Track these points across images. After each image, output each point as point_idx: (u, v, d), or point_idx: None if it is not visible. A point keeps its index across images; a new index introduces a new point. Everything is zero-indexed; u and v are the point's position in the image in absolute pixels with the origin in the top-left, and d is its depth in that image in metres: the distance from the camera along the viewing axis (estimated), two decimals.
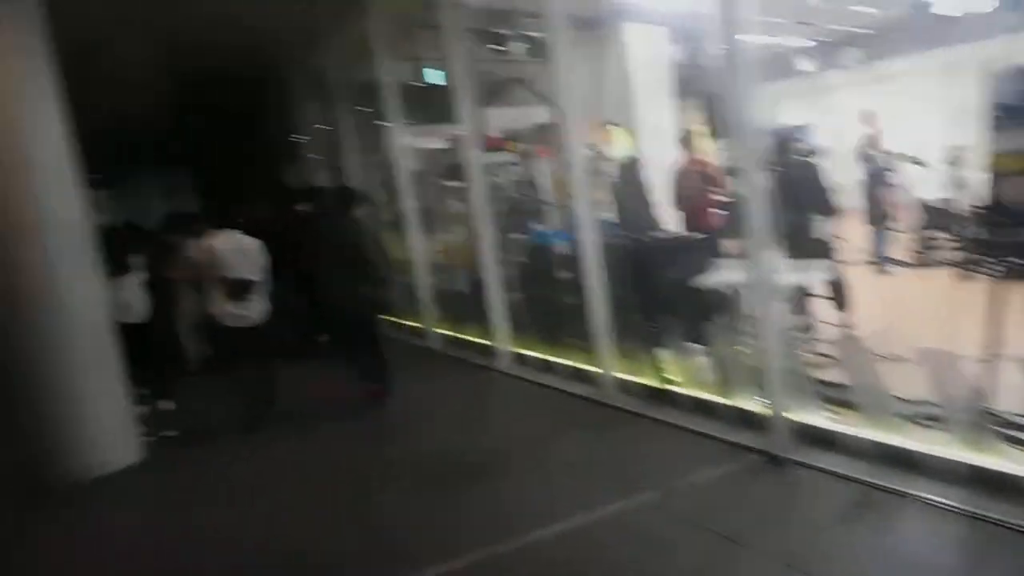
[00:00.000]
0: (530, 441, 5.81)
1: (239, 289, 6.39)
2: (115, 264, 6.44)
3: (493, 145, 9.97)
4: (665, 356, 6.29)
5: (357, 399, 7.02)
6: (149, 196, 21.20)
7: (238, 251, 6.51)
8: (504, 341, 8.20)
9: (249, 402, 6.64)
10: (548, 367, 7.57)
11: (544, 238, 8.58)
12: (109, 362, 5.96)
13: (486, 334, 8.44)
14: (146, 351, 6.60)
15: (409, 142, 10.05)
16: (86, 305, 5.78)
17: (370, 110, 10.71)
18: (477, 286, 8.63)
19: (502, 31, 10.15)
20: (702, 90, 10.92)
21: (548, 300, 8.00)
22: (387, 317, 7.99)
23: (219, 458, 6.07)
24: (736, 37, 4.63)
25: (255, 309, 6.55)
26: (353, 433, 6.48)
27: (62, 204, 5.65)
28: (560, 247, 7.97)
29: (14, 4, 5.48)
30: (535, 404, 6.88)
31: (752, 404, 5.32)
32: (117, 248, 6.62)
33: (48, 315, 5.60)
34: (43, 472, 5.70)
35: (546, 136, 10.31)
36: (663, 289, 6.58)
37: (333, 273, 6.78)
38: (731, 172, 5.51)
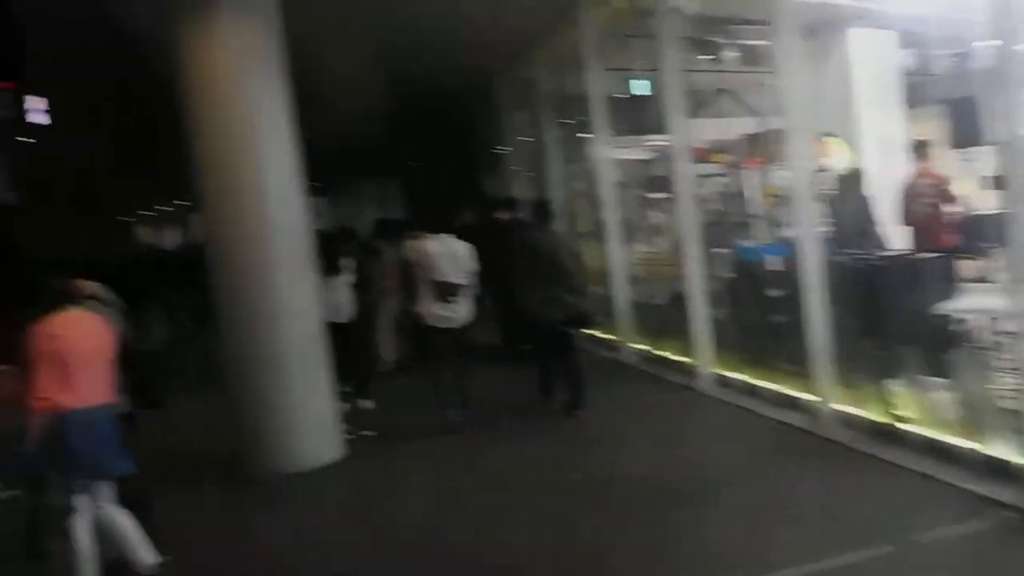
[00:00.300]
0: (738, 471, 5.39)
1: (447, 291, 6.51)
2: (328, 266, 6.75)
3: (699, 156, 9.58)
4: (897, 389, 5.64)
5: (552, 409, 6.92)
6: (362, 204, 22.68)
7: (449, 255, 6.63)
8: (705, 360, 7.77)
9: (448, 404, 6.70)
10: (754, 391, 7.07)
11: (753, 253, 8.07)
12: (318, 360, 6.18)
13: (686, 351, 8.06)
14: (350, 350, 6.85)
15: (612, 153, 9.88)
16: (301, 305, 6.07)
17: (574, 121, 10.67)
18: (677, 300, 8.28)
19: (715, 39, 9.72)
20: (938, 98, 9.92)
21: (757, 318, 7.50)
22: (584, 329, 7.81)
23: (416, 460, 6.13)
24: (1008, 42, 4.08)
25: (460, 312, 6.64)
26: (548, 444, 6.35)
27: (286, 210, 5.97)
28: (771, 263, 7.44)
29: (255, 23, 5.84)
30: (740, 430, 6.43)
31: (1006, 451, 4.61)
32: (331, 251, 6.95)
33: (267, 314, 5.92)
34: (252, 462, 5.97)
35: (756, 147, 9.78)
36: (897, 313, 5.91)
37: (531, 282, 6.78)
38: (996, 185, 4.84)
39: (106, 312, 3.57)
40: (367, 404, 7.12)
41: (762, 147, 9.58)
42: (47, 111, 13.56)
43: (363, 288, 7.51)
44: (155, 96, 8.10)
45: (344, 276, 7.15)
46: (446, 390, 6.78)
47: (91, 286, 3.67)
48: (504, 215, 9.78)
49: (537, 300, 6.75)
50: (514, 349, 8.22)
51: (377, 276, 8.15)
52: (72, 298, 3.38)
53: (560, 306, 6.75)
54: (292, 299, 5.95)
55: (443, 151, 14.77)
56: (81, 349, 3.34)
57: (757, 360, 7.33)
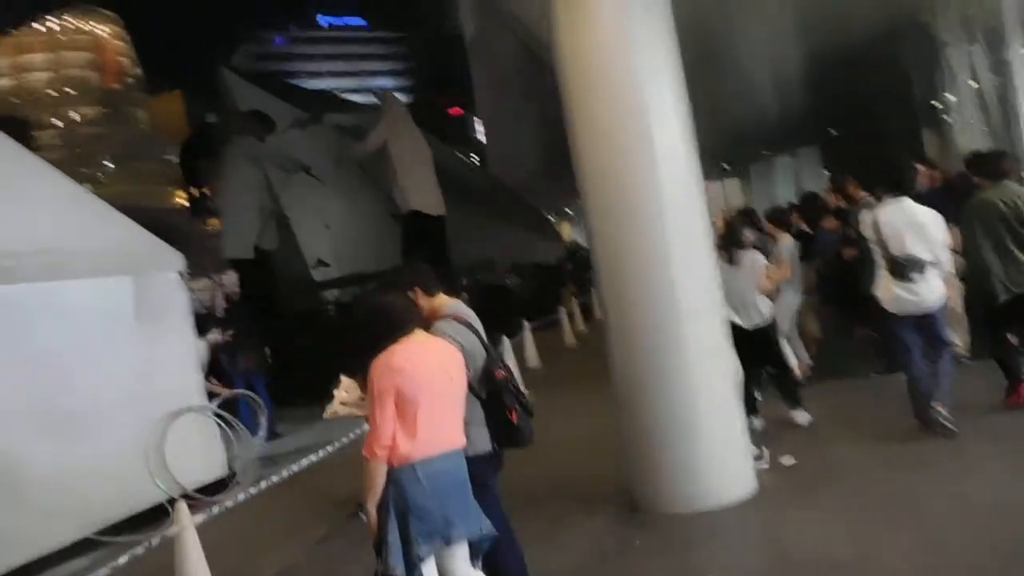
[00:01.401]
0: None
1: (906, 268, 5.04)
2: (730, 251, 5.73)
3: None
4: None
5: None
6: (772, 181, 21.05)
7: (909, 224, 5.16)
8: None
9: (925, 411, 5.08)
10: None
11: None
12: (725, 372, 5.04)
13: None
14: (760, 357, 5.75)
15: None
16: (703, 305, 5.03)
17: None
18: None
19: None
20: None
21: None
22: None
23: (855, 496, 4.58)
24: None
25: (928, 292, 5.10)
26: None
27: (679, 190, 5.04)
28: None
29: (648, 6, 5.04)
30: None
31: None
32: (733, 236, 5.91)
33: (661, 318, 4.97)
34: (642, 498, 4.78)
35: None
36: None
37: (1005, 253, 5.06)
38: None
39: (461, 337, 3.07)
40: (800, 417, 5.78)
41: None
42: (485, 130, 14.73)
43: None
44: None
45: (746, 266, 5.95)
46: (922, 393, 5.17)
47: (448, 305, 3.22)
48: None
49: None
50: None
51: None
52: (421, 321, 2.94)
53: None
54: (692, 300, 4.92)
55: (871, 108, 12.70)
56: (430, 385, 2.74)
57: None
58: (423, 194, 11.87)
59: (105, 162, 56.03)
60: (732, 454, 4.82)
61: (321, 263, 13.96)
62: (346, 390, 3.01)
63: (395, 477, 2.68)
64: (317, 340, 10.81)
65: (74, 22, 56.29)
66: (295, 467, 5.45)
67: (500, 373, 3.12)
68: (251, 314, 10.26)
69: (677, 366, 4.77)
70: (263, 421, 7.68)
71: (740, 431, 4.91)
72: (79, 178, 51.48)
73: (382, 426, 2.66)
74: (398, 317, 2.83)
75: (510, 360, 8.95)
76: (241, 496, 5.48)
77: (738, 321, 5.65)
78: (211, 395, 7.07)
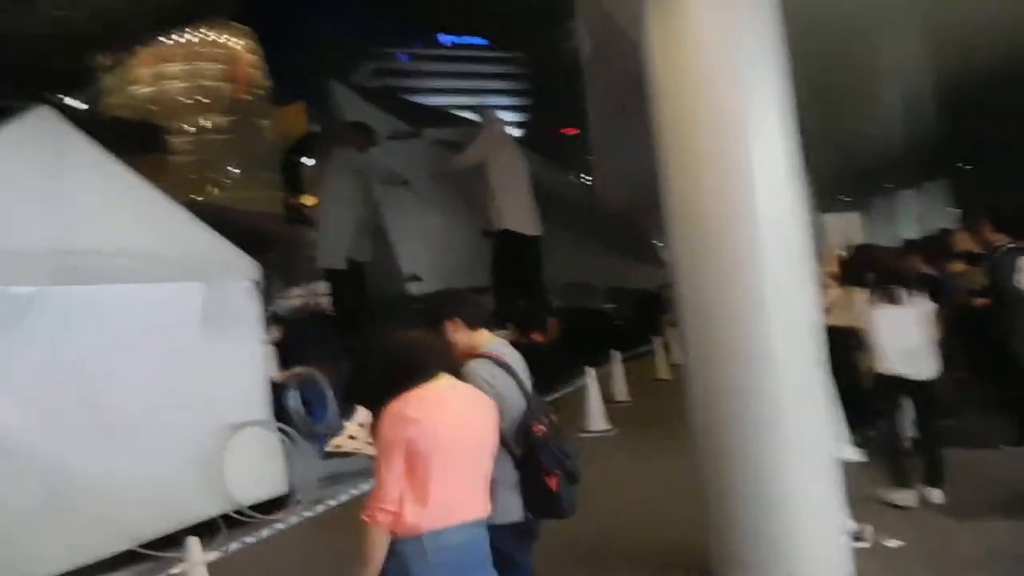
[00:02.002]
0: None
1: None
2: (891, 291, 4.99)
3: None
4: None
5: None
6: (893, 217, 19.53)
7: None
8: None
9: None
10: None
11: None
12: (819, 420, 4.39)
13: None
14: (925, 410, 4.97)
15: None
16: (800, 352, 4.37)
17: None
18: None
19: None
20: None
21: None
22: None
23: None
24: None
25: None
26: None
27: (780, 224, 4.39)
28: None
29: (753, 15, 4.47)
30: None
31: None
32: (896, 274, 5.15)
33: (752, 365, 4.35)
34: (719, 566, 4.18)
35: None
36: None
37: None
38: None
39: (496, 381, 2.61)
40: (907, 498, 4.98)
41: None
42: None
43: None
44: None
45: (914, 308, 5.08)
46: None
47: (488, 342, 2.76)
48: None
49: None
50: None
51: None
52: (448, 362, 2.46)
53: None
54: (789, 349, 4.30)
55: (1010, 140, 11.53)
56: (449, 441, 2.30)
57: None
58: (518, 213, 11.52)
59: (231, 168, 58.76)
60: (826, 528, 4.17)
61: (415, 278, 13.81)
62: (360, 422, 2.65)
63: (397, 549, 2.24)
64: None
65: (211, 35, 59.47)
66: (354, 490, 5.16)
67: (539, 428, 2.63)
68: (327, 324, 10.13)
69: (767, 421, 4.18)
70: (329, 403, 7.39)
71: (837, 502, 4.26)
72: (206, 183, 54.45)
73: (387, 486, 2.24)
74: (418, 358, 2.40)
75: (593, 393, 8.46)
76: (295, 518, 5.22)
77: (902, 372, 4.91)
78: (279, 385, 6.90)
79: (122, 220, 5.87)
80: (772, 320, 4.27)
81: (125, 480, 5.20)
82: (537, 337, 9.38)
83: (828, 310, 5.36)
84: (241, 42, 62.31)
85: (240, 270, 6.59)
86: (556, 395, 8.58)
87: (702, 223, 4.51)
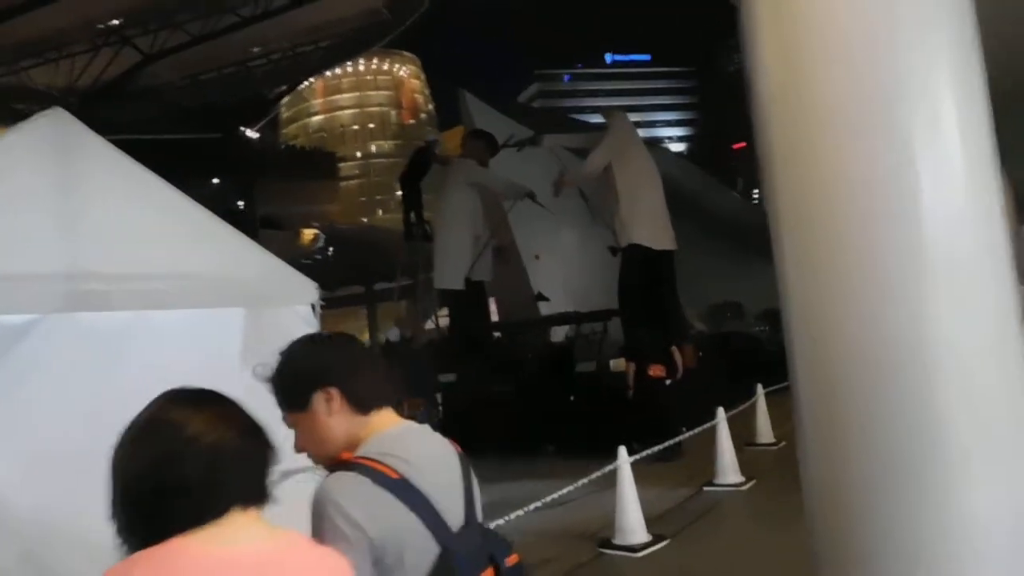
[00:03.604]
0: None
1: None
2: None
3: None
4: None
5: None
6: None
7: None
8: None
9: None
10: None
11: None
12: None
13: None
14: None
15: None
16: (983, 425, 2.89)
17: None
18: None
19: None
20: None
21: None
22: None
23: None
24: None
25: None
26: None
27: (959, 248, 2.90)
28: None
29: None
30: None
31: None
32: None
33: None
34: None
35: None
36: None
37: None
38: None
39: (368, 519, 1.35)
40: None
41: None
42: None
43: None
44: None
45: None
46: None
47: (382, 434, 1.49)
48: None
49: None
50: None
51: None
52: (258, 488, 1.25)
53: None
54: (971, 435, 2.77)
55: None
56: None
57: None
58: (648, 226, 10.22)
59: (397, 191, 60.99)
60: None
61: (540, 297, 12.91)
62: None
63: None
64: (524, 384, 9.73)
65: (378, 63, 62.03)
66: None
67: None
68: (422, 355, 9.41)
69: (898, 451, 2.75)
70: None
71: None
72: (374, 205, 56.54)
73: None
74: (202, 475, 1.17)
75: (723, 436, 7.10)
76: None
77: None
78: None
79: (161, 241, 5.32)
80: (950, 408, 2.82)
81: None
82: (656, 371, 8.11)
83: None
84: (406, 68, 64.60)
85: (298, 294, 5.90)
86: (679, 438, 7.29)
87: (823, 251, 3.05)
